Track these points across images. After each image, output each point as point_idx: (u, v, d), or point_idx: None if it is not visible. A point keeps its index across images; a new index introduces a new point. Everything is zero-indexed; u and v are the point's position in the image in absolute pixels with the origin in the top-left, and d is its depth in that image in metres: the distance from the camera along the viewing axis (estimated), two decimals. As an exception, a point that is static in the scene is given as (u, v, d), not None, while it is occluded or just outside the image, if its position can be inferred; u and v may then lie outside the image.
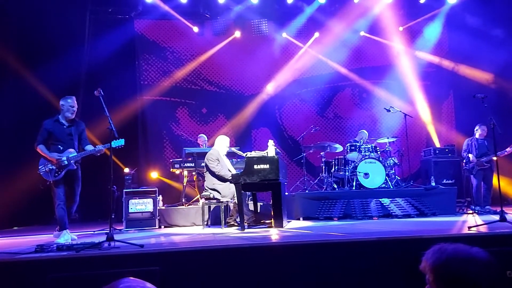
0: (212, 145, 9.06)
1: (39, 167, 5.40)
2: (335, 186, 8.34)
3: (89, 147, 5.55)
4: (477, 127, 8.06)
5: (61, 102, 5.54)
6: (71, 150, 5.46)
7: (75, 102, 5.59)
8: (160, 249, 3.88)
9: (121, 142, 5.36)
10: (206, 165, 6.62)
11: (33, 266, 3.56)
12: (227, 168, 6.73)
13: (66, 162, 5.36)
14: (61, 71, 8.41)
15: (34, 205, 8.34)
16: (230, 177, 6.22)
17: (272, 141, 6.55)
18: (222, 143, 6.86)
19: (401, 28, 11.27)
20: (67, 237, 5.32)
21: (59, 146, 5.44)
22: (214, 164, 6.51)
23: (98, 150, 5.46)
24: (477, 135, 8.07)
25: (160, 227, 7.27)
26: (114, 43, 9.87)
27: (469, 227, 4.59)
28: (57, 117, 5.54)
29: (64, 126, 5.52)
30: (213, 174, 6.54)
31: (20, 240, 5.85)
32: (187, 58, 10.97)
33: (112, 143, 5.18)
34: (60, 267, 3.54)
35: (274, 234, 5.24)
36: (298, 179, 9.42)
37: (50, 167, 5.35)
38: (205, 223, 6.70)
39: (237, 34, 11.02)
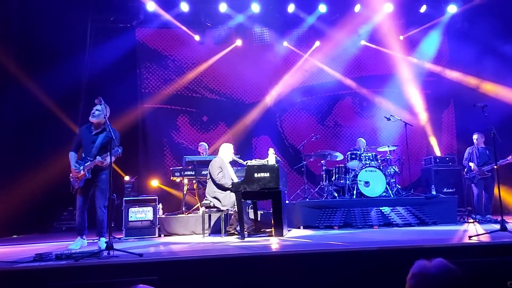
0: (212, 153, 9.09)
1: (70, 174, 5.42)
2: (336, 195, 8.31)
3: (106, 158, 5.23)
4: (474, 135, 8.08)
5: None
6: (88, 158, 5.32)
7: (98, 105, 5.17)
8: (158, 258, 3.86)
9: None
10: (209, 172, 6.61)
11: (32, 275, 3.54)
12: (230, 177, 6.71)
13: (81, 172, 5.27)
14: (62, 79, 8.45)
15: (34, 213, 8.35)
16: (230, 186, 6.21)
17: (273, 149, 6.54)
18: (226, 151, 6.85)
19: (401, 37, 11.31)
20: (80, 243, 5.38)
21: (83, 154, 5.38)
22: (216, 172, 6.50)
23: (97, 161, 5.24)
24: (475, 143, 8.07)
25: (160, 235, 7.25)
26: (116, 51, 9.92)
27: (470, 237, 4.57)
28: (90, 123, 5.45)
29: (92, 133, 5.41)
30: (214, 182, 6.54)
31: (19, 249, 5.82)
32: (188, 66, 11.01)
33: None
34: (59, 276, 3.52)
35: (274, 243, 5.22)
36: (298, 188, 9.39)
37: (73, 176, 5.35)
38: (205, 231, 6.67)
39: (238, 42, 11.08)
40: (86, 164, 5.28)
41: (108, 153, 5.02)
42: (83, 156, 5.37)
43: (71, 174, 5.40)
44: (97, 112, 5.36)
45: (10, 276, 3.54)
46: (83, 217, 5.48)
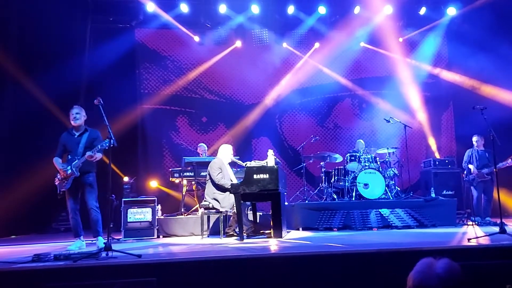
0: (212, 154, 9.08)
1: (55, 179, 5.55)
2: (335, 197, 8.30)
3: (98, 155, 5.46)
4: (474, 138, 8.08)
5: None
6: (76, 157, 5.47)
7: (75, 109, 5.64)
8: (157, 260, 3.86)
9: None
10: (209, 173, 6.61)
11: (30, 275, 3.53)
12: (229, 178, 6.71)
13: (69, 171, 5.40)
14: (61, 80, 8.41)
15: (32, 213, 8.33)
16: (230, 187, 6.21)
17: (272, 151, 6.54)
18: (225, 152, 6.85)
19: (401, 39, 11.33)
20: (79, 244, 5.42)
21: (69, 156, 5.52)
22: (216, 173, 6.49)
23: (87, 155, 5.31)
24: (475, 146, 8.07)
25: (158, 236, 7.23)
26: (115, 51, 9.90)
27: (469, 239, 4.57)
28: (71, 128, 5.66)
29: (75, 136, 5.60)
30: (214, 183, 6.53)
31: (17, 249, 5.81)
32: (187, 67, 11.00)
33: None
34: (57, 277, 3.51)
35: (273, 244, 5.21)
36: (298, 189, 9.38)
37: (60, 178, 5.47)
38: (204, 233, 6.66)
39: (238, 43, 11.08)
40: (74, 163, 5.42)
41: (98, 148, 5.30)
42: (69, 158, 5.50)
43: (56, 179, 5.52)
44: (78, 115, 5.61)
45: (8, 277, 3.53)
46: (76, 219, 5.56)
